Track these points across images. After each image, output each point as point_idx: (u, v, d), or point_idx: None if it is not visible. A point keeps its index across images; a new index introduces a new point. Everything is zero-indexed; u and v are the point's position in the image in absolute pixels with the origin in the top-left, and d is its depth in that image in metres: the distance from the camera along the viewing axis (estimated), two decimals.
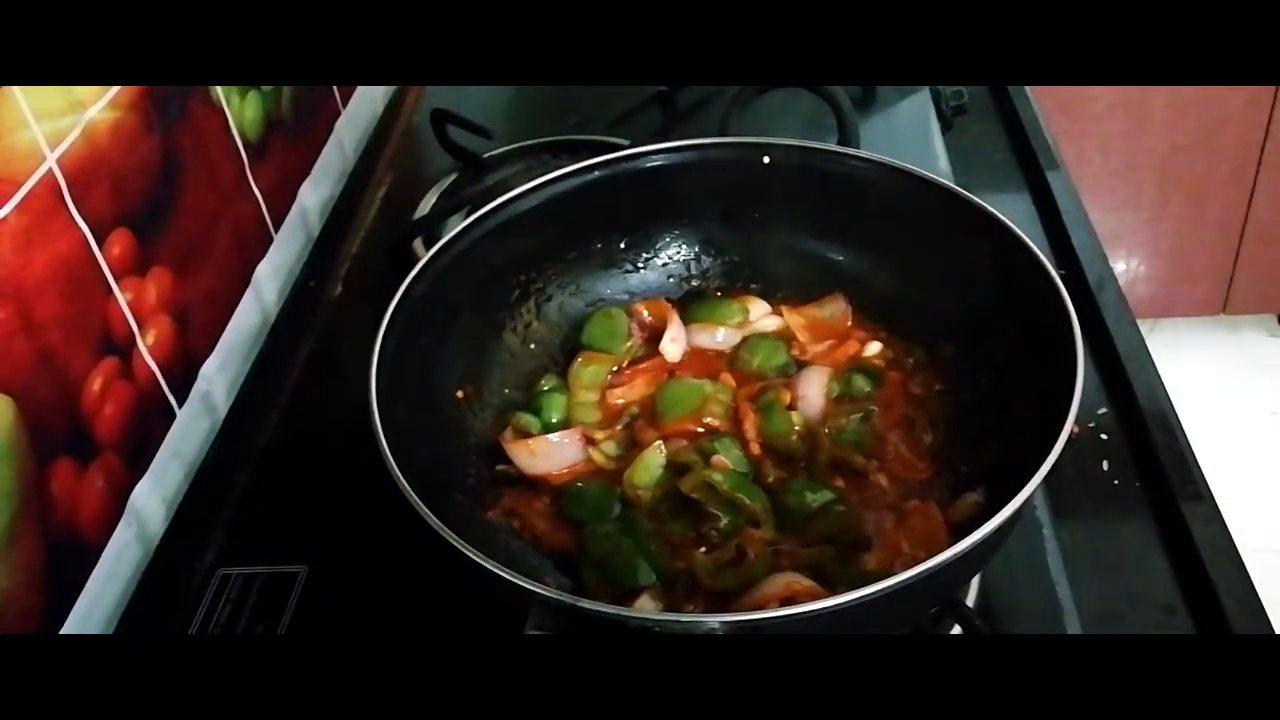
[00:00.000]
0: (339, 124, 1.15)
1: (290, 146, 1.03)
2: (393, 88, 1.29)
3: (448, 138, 1.08)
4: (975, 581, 0.66)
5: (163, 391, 0.79)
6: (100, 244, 0.72)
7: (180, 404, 0.82)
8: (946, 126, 1.08)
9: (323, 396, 0.89)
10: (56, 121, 0.68)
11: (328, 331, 0.95)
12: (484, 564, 0.53)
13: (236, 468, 0.82)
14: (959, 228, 0.72)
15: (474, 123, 1.07)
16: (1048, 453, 0.55)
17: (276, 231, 1.00)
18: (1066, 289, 0.63)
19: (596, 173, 0.78)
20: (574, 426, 0.73)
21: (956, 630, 0.62)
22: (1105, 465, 0.76)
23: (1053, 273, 0.65)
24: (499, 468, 0.71)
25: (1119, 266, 2.09)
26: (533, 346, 0.79)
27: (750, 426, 0.71)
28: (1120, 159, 1.98)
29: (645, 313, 0.79)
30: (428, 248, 0.73)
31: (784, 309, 0.80)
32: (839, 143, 0.90)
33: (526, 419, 0.72)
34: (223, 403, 0.88)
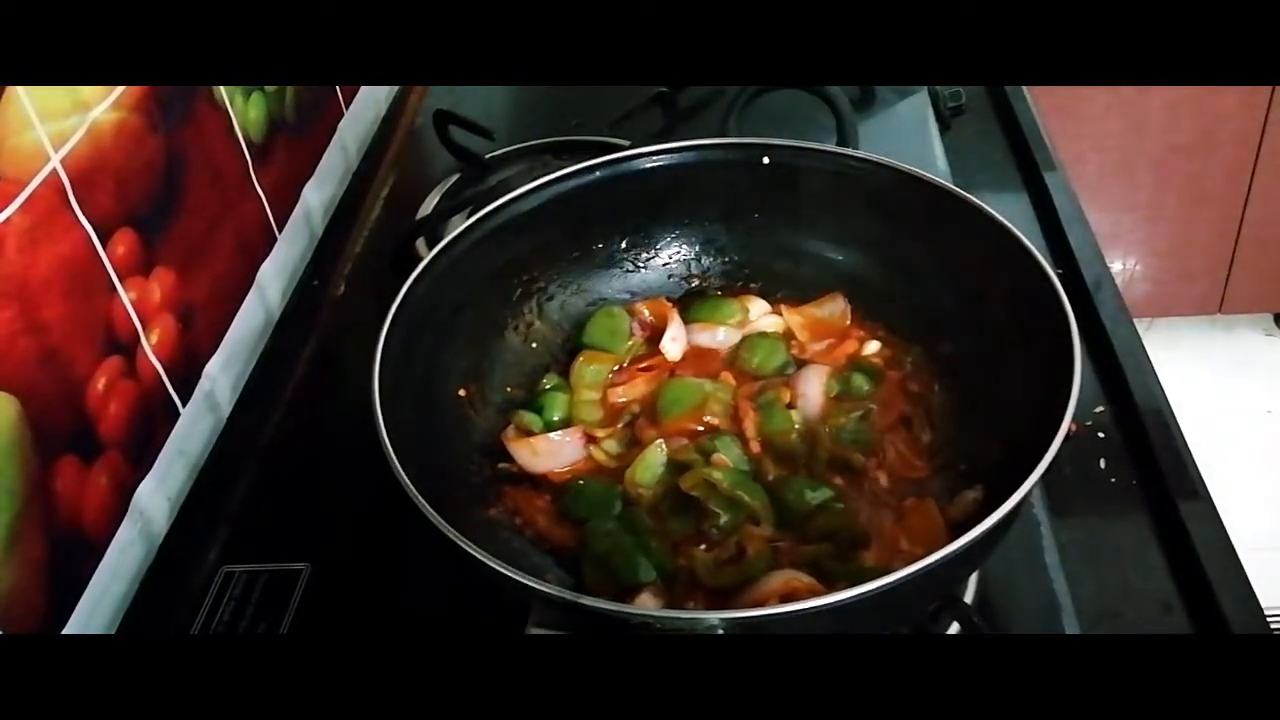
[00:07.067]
0: (342, 125, 1.15)
1: (293, 147, 1.04)
2: (395, 89, 1.30)
3: (450, 138, 1.09)
4: (974, 578, 0.67)
5: (167, 390, 0.80)
6: (104, 244, 0.72)
7: (184, 403, 0.82)
8: (945, 127, 1.09)
9: (326, 395, 0.89)
10: (61, 122, 0.69)
11: (331, 331, 0.95)
12: (486, 561, 0.53)
13: (240, 466, 0.83)
14: (957, 228, 0.72)
15: (476, 123, 1.07)
16: (1045, 451, 0.55)
17: (280, 231, 1.00)
18: (1064, 288, 0.64)
19: (597, 173, 0.79)
20: (575, 425, 0.73)
21: (955, 627, 0.63)
22: (1102, 463, 0.76)
23: (1050, 272, 0.65)
24: (501, 466, 0.71)
25: (1116, 266, 2.10)
26: (534, 345, 0.79)
27: (750, 425, 0.71)
28: (1117, 159, 1.99)
29: (646, 312, 0.80)
30: (430, 247, 0.74)
31: (783, 308, 0.80)
32: (838, 143, 0.91)
33: (528, 417, 0.73)
34: (226, 401, 0.88)
